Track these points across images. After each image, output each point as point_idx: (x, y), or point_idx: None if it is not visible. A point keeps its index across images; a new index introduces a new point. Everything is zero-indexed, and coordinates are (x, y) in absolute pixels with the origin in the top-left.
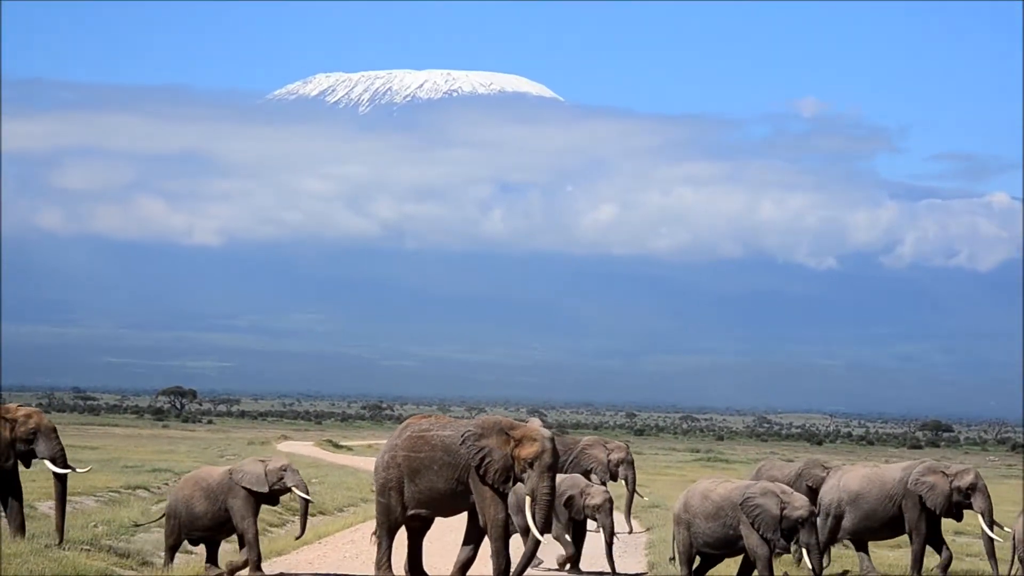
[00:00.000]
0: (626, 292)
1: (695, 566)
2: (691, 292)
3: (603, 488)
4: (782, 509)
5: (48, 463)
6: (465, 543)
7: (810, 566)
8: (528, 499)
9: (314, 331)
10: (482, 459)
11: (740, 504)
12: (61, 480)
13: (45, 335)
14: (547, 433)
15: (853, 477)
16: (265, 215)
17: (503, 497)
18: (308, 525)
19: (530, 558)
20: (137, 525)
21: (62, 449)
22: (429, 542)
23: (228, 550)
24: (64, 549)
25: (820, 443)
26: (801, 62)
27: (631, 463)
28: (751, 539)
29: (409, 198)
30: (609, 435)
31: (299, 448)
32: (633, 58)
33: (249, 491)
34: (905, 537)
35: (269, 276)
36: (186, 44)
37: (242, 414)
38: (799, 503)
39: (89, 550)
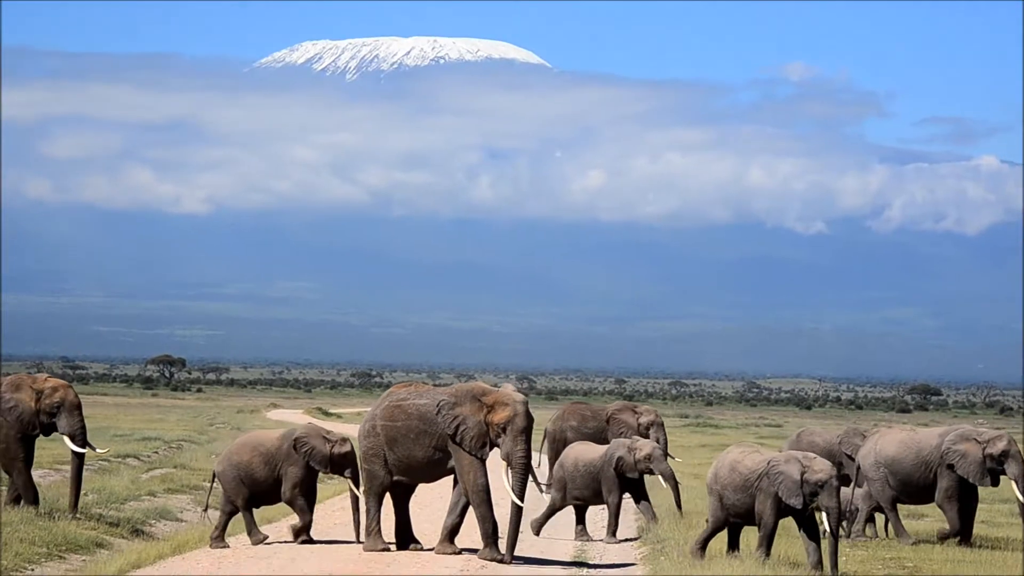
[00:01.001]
0: (615, 258)
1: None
2: (680, 258)
3: (647, 440)
4: (803, 473)
5: (67, 439)
6: (451, 510)
7: (827, 528)
8: (504, 464)
9: (303, 299)
10: (457, 427)
11: (766, 474)
12: (79, 457)
13: (34, 304)
14: (519, 397)
15: (890, 442)
16: (253, 183)
17: (482, 462)
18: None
19: (516, 525)
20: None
21: (83, 427)
22: (419, 508)
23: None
24: (55, 518)
25: (809, 408)
26: (789, 27)
27: (661, 425)
28: (763, 508)
29: (397, 165)
30: (598, 401)
31: (289, 416)
32: (621, 24)
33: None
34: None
35: (258, 244)
36: (173, 12)
37: (231, 382)
38: (819, 467)
39: (80, 519)
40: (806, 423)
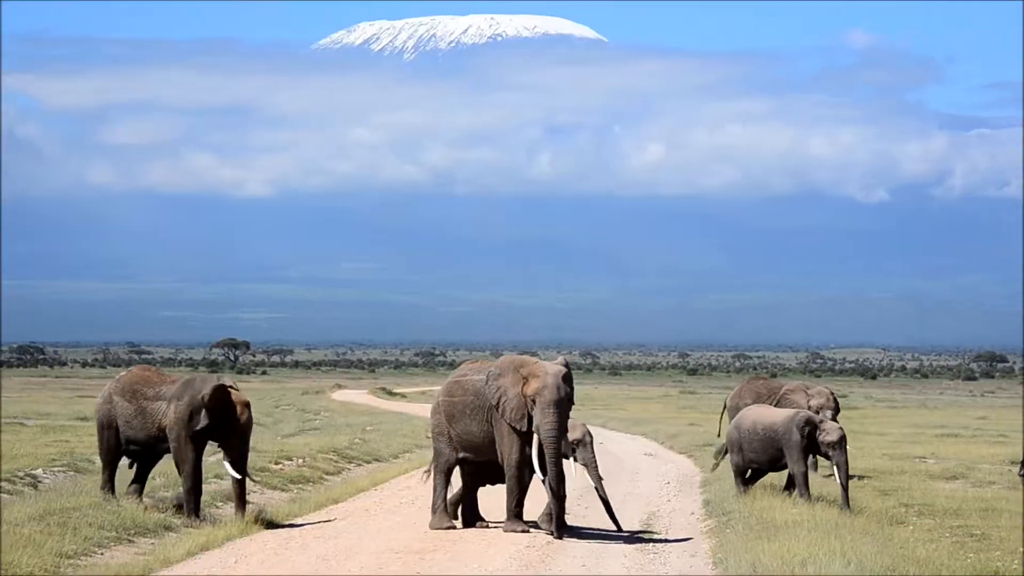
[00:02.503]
0: (676, 231)
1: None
2: (742, 229)
3: (837, 424)
4: (819, 434)
5: (227, 463)
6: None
7: (838, 480)
8: (535, 437)
9: (366, 280)
10: (499, 398)
11: (784, 432)
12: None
13: (100, 291)
14: (553, 369)
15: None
16: (315, 165)
17: (521, 435)
18: (364, 472)
19: (558, 500)
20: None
21: (245, 451)
22: (488, 488)
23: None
24: (120, 501)
25: (874, 377)
26: None
27: (833, 407)
28: (793, 459)
29: (458, 144)
30: (662, 375)
31: (353, 396)
32: None
33: None
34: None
35: (321, 226)
36: None
37: (296, 364)
38: (829, 427)
39: (148, 501)
40: (872, 393)
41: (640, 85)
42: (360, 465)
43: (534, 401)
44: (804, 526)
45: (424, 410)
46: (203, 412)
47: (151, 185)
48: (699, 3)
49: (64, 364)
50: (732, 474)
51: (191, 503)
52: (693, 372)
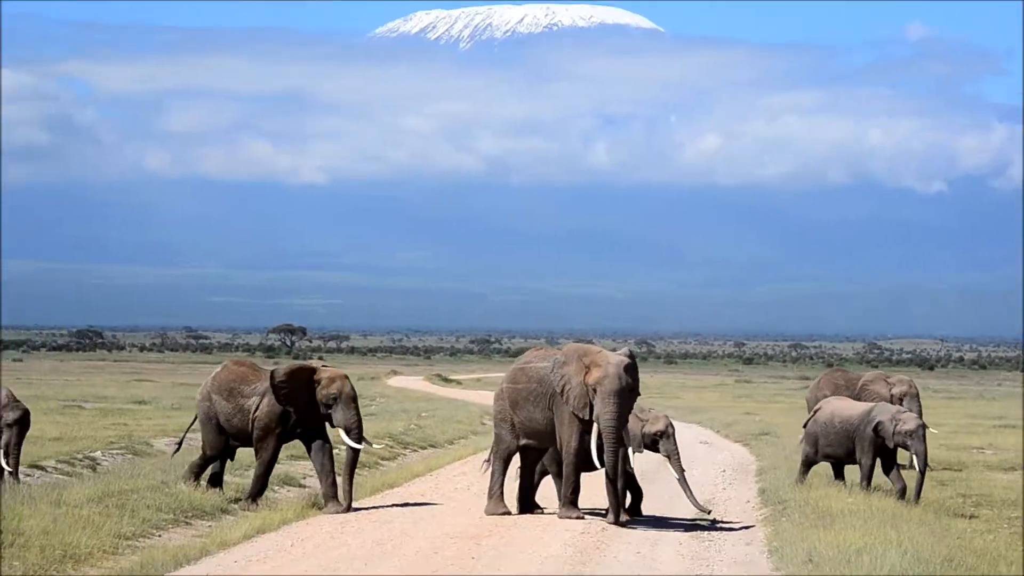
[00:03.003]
0: (732, 222)
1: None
2: (798, 220)
3: (915, 415)
4: (895, 424)
5: (342, 432)
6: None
7: (917, 468)
8: (595, 426)
9: (421, 267)
10: (563, 385)
11: (858, 425)
12: (355, 452)
13: (156, 276)
14: (615, 359)
15: None
16: (369, 153)
17: (581, 423)
18: (419, 458)
19: (614, 488)
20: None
21: (359, 420)
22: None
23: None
24: (178, 484)
25: (932, 368)
26: None
27: (915, 396)
28: (861, 452)
29: (512, 133)
30: (717, 364)
31: (409, 383)
32: None
33: None
34: None
35: (375, 214)
36: None
37: (352, 350)
38: (907, 417)
39: (205, 484)
40: (929, 384)
41: (696, 76)
42: (415, 451)
43: (595, 390)
44: (860, 515)
45: (479, 397)
46: (276, 393)
47: (206, 172)
48: None
49: (122, 348)
50: (799, 463)
51: (256, 487)
52: (749, 361)
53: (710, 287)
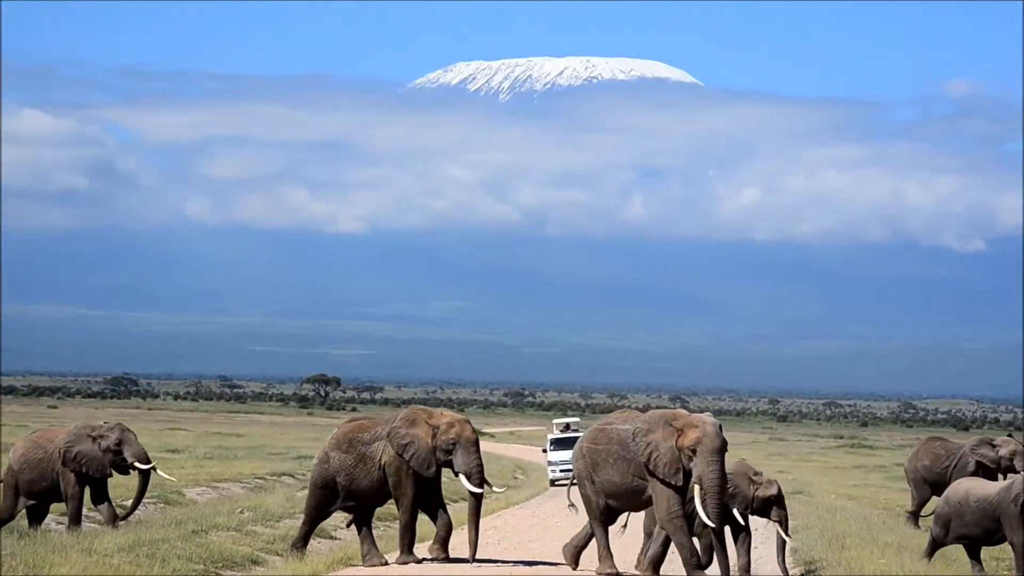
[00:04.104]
0: (769, 277)
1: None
2: (836, 277)
3: None
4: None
5: (463, 478)
6: (654, 539)
7: None
8: (696, 488)
9: (457, 319)
10: (650, 454)
11: (999, 502)
12: (477, 498)
13: (192, 323)
14: (710, 419)
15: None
16: (408, 203)
17: (677, 490)
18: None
19: (722, 550)
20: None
21: (480, 465)
22: (630, 534)
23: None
24: (209, 534)
25: (967, 428)
26: (947, 45)
27: None
28: (1010, 530)
29: (551, 184)
30: (751, 421)
31: None
32: (774, 42)
33: None
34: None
35: (413, 264)
36: (329, 35)
37: (385, 401)
38: None
39: (236, 534)
40: None
41: (735, 129)
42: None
43: (693, 451)
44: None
45: (512, 450)
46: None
47: (246, 219)
48: (796, 49)
49: (156, 396)
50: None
51: (406, 539)
52: (783, 419)
53: (745, 343)
